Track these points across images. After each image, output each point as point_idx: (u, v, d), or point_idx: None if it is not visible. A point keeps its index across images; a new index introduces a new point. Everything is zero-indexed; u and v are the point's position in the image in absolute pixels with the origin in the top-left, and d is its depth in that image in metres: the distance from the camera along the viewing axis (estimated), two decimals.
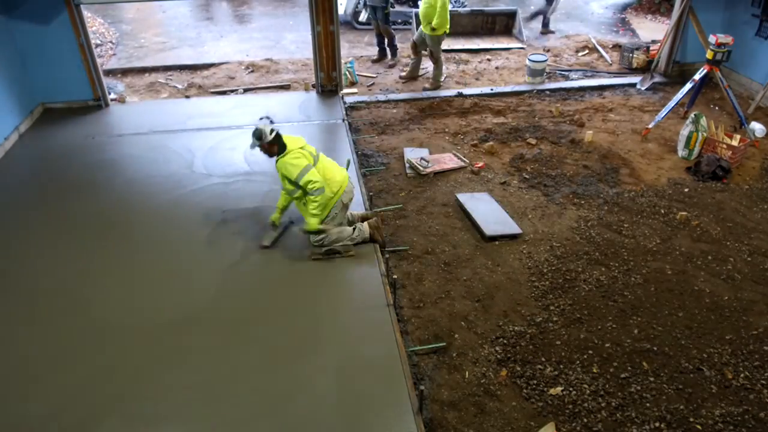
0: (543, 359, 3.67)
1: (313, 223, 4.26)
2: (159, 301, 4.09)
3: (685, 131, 6.11)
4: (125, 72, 8.91)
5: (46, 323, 3.90)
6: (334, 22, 7.23)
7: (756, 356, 3.69)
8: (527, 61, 8.19)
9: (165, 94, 8.07)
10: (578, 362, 3.65)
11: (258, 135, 4.27)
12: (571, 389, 3.46)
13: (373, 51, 9.85)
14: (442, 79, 8.16)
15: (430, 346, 3.77)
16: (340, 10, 10.05)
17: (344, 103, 7.50)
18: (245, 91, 8.10)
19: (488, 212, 5.03)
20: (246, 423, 3.19)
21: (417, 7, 11.11)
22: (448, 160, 6.01)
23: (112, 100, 7.57)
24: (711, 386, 3.48)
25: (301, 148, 4.31)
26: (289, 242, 4.68)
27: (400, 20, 11.06)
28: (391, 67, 8.82)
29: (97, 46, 9.88)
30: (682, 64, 8.17)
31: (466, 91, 7.94)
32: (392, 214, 5.17)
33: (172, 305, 4.05)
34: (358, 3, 10.96)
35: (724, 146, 5.92)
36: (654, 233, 4.90)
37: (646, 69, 8.48)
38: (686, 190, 5.55)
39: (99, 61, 7.56)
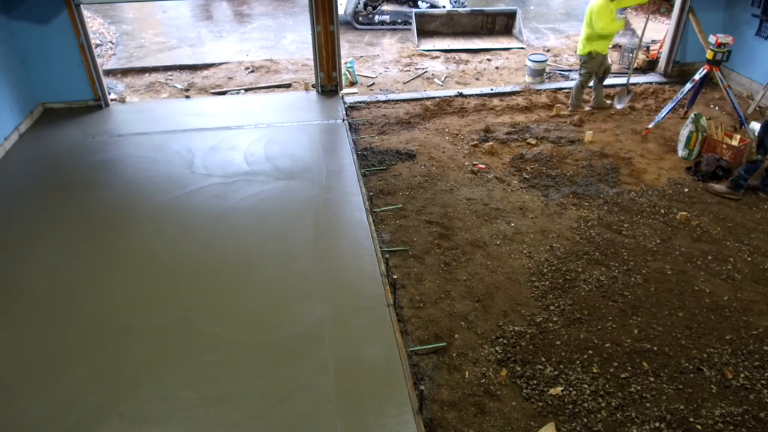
0: (543, 359, 3.67)
1: None
2: (159, 301, 4.09)
3: (685, 131, 6.11)
4: (125, 72, 8.92)
5: (46, 323, 3.90)
6: (334, 22, 7.24)
7: (756, 356, 3.69)
8: (527, 61, 8.20)
9: (165, 94, 8.08)
10: (578, 362, 3.65)
11: None
12: (571, 389, 3.46)
13: (374, 51, 9.87)
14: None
15: (430, 346, 3.77)
16: (340, 10, 10.07)
17: (344, 103, 7.50)
18: (246, 91, 8.11)
19: None
20: (246, 423, 3.19)
21: (417, 7, 11.15)
22: None
23: (112, 100, 7.57)
24: (711, 386, 3.48)
25: None
26: (287, 244, 4.68)
27: (399, 20, 11.07)
28: None
29: (97, 46, 9.90)
30: (682, 64, 8.17)
31: (466, 91, 7.94)
32: (392, 214, 5.17)
33: (172, 305, 4.05)
34: (358, 3, 10.98)
35: (724, 146, 5.93)
36: (654, 233, 4.90)
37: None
38: (686, 190, 5.55)
39: (99, 61, 7.57)
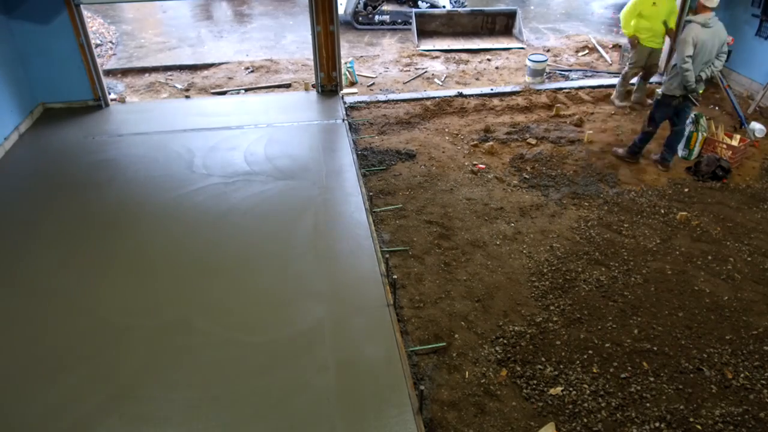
0: (543, 359, 3.67)
1: None
2: (159, 301, 4.09)
3: (685, 131, 6.10)
4: (125, 72, 8.92)
5: (46, 323, 3.90)
6: (334, 22, 7.24)
7: (756, 356, 3.69)
8: (527, 61, 8.20)
9: (165, 94, 8.07)
10: (578, 362, 3.65)
11: None
12: (571, 389, 3.46)
13: (374, 51, 9.87)
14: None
15: (430, 346, 3.77)
16: (340, 10, 10.07)
17: (344, 103, 7.50)
18: (246, 91, 8.11)
19: None
20: (246, 423, 3.19)
21: (417, 7, 11.15)
22: None
23: (112, 100, 7.57)
24: (711, 386, 3.48)
25: None
26: (287, 244, 4.68)
27: (399, 20, 11.07)
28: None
29: (97, 46, 9.89)
30: None
31: (466, 91, 7.94)
32: (392, 214, 5.17)
33: (172, 305, 4.05)
34: (358, 3, 10.97)
35: (724, 146, 5.93)
36: (654, 233, 4.90)
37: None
38: (686, 190, 5.55)
39: (99, 61, 7.56)
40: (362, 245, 4.61)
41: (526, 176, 5.78)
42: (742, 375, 3.56)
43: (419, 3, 11.32)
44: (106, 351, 3.67)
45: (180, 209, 5.15)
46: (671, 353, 3.71)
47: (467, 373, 3.58)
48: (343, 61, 7.87)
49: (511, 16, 10.53)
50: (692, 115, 6.02)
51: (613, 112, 7.26)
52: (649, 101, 7.44)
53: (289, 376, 3.46)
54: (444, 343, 3.78)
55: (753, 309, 4.07)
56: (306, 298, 4.09)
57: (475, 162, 6.05)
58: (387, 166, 5.99)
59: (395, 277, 4.18)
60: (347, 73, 8.25)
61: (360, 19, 11.09)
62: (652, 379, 3.53)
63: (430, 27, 10.54)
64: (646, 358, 3.68)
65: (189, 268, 4.43)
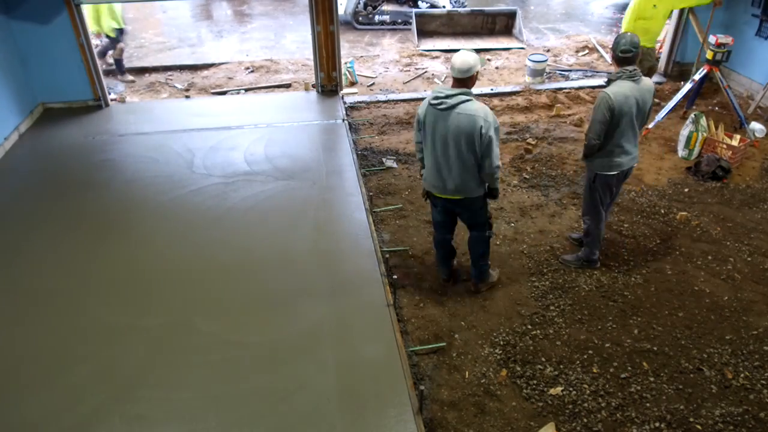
0: (543, 359, 3.67)
1: None
2: (159, 301, 4.09)
3: (685, 131, 6.11)
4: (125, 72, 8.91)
5: (45, 323, 3.90)
6: (334, 22, 7.24)
7: (756, 356, 3.69)
8: (527, 61, 8.20)
9: (165, 94, 8.07)
10: (578, 362, 3.65)
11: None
12: (571, 389, 3.46)
13: (374, 51, 9.87)
14: None
15: (430, 346, 3.77)
16: (340, 10, 10.07)
17: (344, 103, 7.50)
18: (246, 91, 8.10)
19: None
20: (246, 423, 3.19)
21: (417, 7, 11.15)
22: None
23: (112, 100, 7.57)
24: (711, 386, 3.48)
25: None
26: (287, 244, 4.68)
27: (399, 20, 11.08)
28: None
29: (97, 46, 9.88)
30: (682, 64, 8.17)
31: None
32: (392, 214, 5.17)
33: (172, 305, 4.05)
34: (358, 3, 10.98)
35: (724, 146, 5.92)
36: (654, 233, 4.90)
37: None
38: (686, 190, 5.55)
39: (99, 61, 7.56)
40: (362, 245, 4.61)
41: (526, 176, 5.77)
42: (742, 375, 3.55)
43: (419, 3, 11.32)
44: (106, 351, 3.67)
45: (180, 209, 5.15)
46: (671, 353, 3.71)
47: (467, 373, 3.58)
48: (343, 61, 7.87)
49: (511, 16, 10.53)
50: (692, 115, 6.02)
51: None
52: None
53: (289, 376, 3.46)
54: (444, 343, 3.78)
55: (753, 309, 4.07)
56: (306, 298, 4.08)
57: None
58: (387, 166, 5.99)
59: (395, 277, 4.18)
60: (347, 73, 8.25)
61: (360, 19, 11.09)
62: (652, 379, 3.53)
63: (430, 27, 10.54)
64: (646, 358, 3.68)
65: (189, 268, 4.43)
